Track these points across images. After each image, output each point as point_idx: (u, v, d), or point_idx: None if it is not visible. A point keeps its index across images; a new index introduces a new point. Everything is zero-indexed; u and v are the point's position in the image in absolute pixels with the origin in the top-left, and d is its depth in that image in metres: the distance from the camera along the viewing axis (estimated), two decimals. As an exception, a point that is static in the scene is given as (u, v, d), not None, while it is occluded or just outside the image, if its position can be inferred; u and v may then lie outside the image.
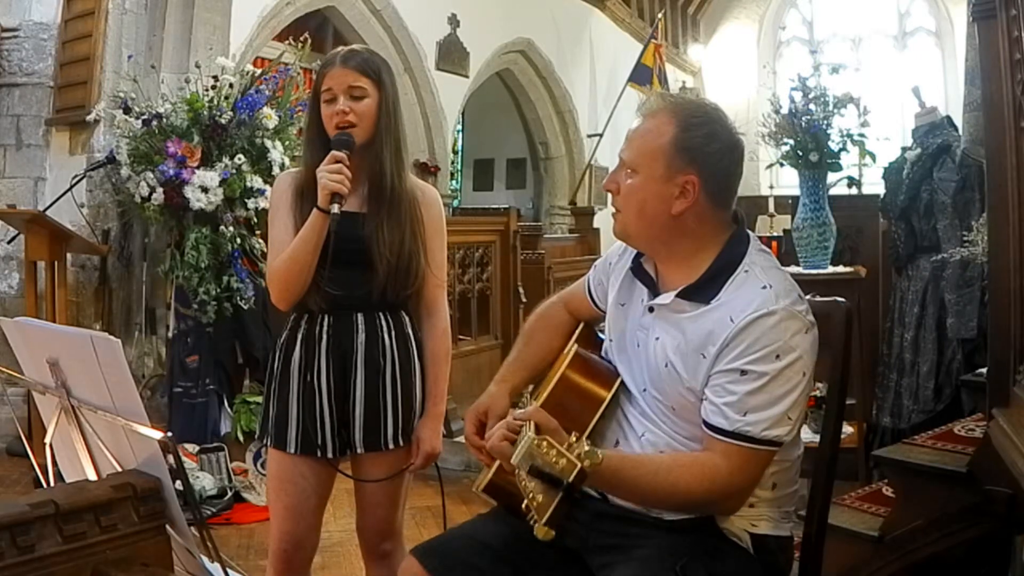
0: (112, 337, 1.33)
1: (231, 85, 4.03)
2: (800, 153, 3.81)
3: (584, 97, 10.32)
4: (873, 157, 4.00)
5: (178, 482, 1.36)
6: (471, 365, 4.85)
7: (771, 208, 7.47)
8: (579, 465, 1.11)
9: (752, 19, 13.53)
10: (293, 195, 1.97)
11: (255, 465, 3.89)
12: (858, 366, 3.60)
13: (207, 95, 4.02)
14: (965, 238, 3.27)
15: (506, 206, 7.60)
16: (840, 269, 3.99)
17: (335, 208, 1.84)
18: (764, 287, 1.42)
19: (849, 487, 2.83)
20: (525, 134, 10.54)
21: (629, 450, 1.51)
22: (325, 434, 1.94)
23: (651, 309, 1.53)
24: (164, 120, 4.00)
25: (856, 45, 13.12)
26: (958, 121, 3.76)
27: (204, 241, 3.94)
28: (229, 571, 1.32)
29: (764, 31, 13.48)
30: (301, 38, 4.47)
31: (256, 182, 3.97)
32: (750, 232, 1.53)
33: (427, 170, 7.76)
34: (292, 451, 1.95)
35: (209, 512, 3.54)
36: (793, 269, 3.88)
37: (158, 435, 1.29)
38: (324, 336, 1.94)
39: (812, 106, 3.79)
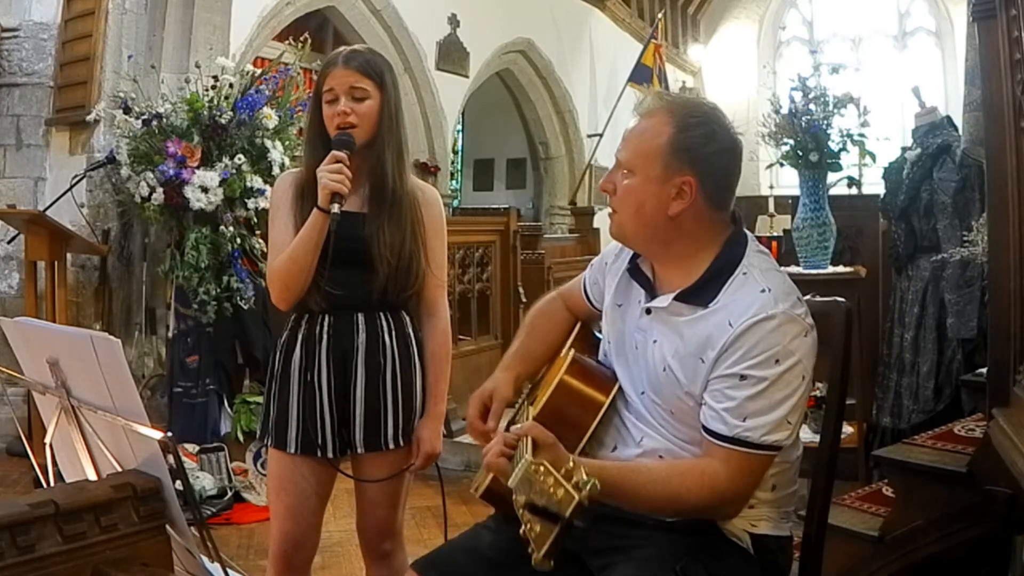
0: (112, 337, 1.33)
1: (231, 85, 4.03)
2: (800, 153, 3.81)
3: (584, 97, 10.32)
4: (873, 157, 4.00)
5: (178, 482, 1.36)
6: (471, 365, 4.85)
7: (771, 208, 7.49)
8: (577, 499, 1.09)
9: (752, 19, 13.53)
10: (294, 195, 1.97)
11: (255, 465, 3.89)
12: (858, 366, 3.60)
13: (207, 95, 4.02)
14: (965, 238, 3.27)
15: (506, 206, 7.61)
16: (840, 269, 3.99)
17: (335, 208, 1.84)
18: (763, 290, 1.41)
19: (849, 487, 2.83)
20: (525, 134, 10.55)
21: (627, 454, 1.50)
22: (325, 434, 1.94)
23: (648, 311, 1.52)
24: (164, 120, 4.00)
25: (856, 45, 13.12)
26: (958, 121, 3.76)
27: (204, 241, 3.94)
28: (229, 571, 1.32)
29: (764, 31, 13.48)
30: (301, 38, 4.46)
31: (256, 182, 3.97)
32: (748, 232, 1.52)
33: (427, 170, 7.76)
34: (292, 451, 1.95)
35: (209, 512, 3.54)
36: (793, 269, 3.89)
37: (158, 435, 1.29)
38: (324, 336, 1.94)
39: (812, 106, 3.79)
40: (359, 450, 1.95)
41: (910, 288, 3.97)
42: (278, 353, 2.01)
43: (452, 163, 9.71)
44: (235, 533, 3.48)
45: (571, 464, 1.14)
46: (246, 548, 3.31)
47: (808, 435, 2.46)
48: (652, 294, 1.53)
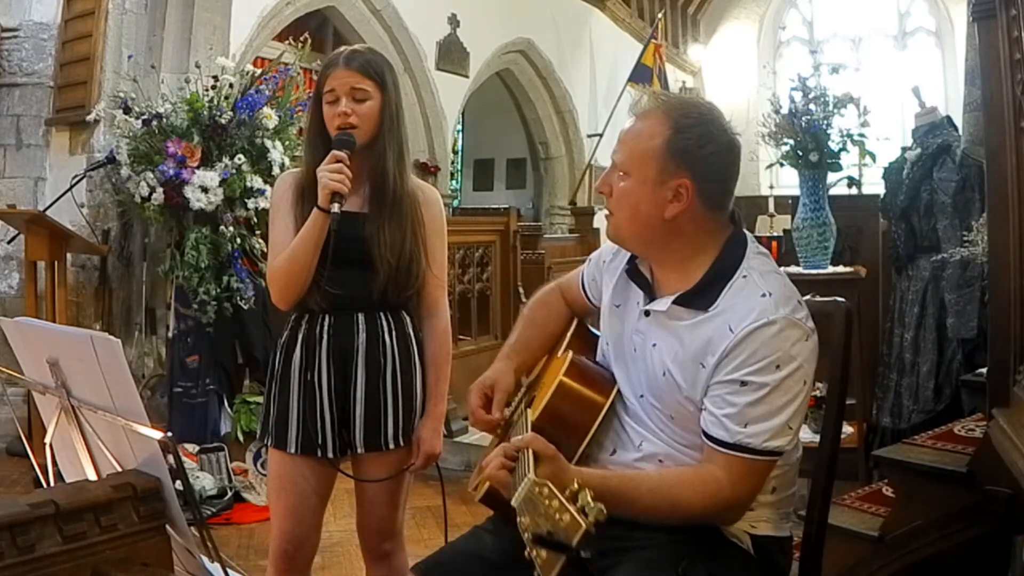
0: (112, 337, 1.33)
1: (231, 85, 4.03)
2: (800, 153, 3.80)
3: (584, 97, 10.32)
4: (873, 157, 3.99)
5: (178, 482, 1.36)
6: (471, 365, 4.84)
7: (771, 208, 7.50)
8: (584, 528, 1.07)
9: (752, 19, 13.54)
10: (294, 195, 1.97)
11: (255, 465, 3.89)
12: (858, 366, 3.60)
13: (207, 95, 4.02)
14: (965, 238, 3.27)
15: (506, 206, 7.62)
16: (840, 269, 3.98)
17: (335, 208, 1.84)
18: (763, 295, 1.39)
19: (849, 487, 2.82)
20: (525, 134, 10.55)
21: (627, 458, 1.49)
22: (326, 434, 1.94)
23: (647, 313, 1.50)
24: (164, 120, 3.99)
25: (856, 45, 13.13)
26: (958, 121, 3.76)
27: (204, 241, 3.94)
28: (229, 571, 1.32)
29: (764, 31, 13.48)
30: (301, 38, 4.47)
31: (256, 182, 3.97)
32: (748, 232, 1.50)
33: (427, 170, 7.76)
34: (293, 451, 1.95)
35: (209, 512, 3.54)
36: (793, 269, 3.89)
37: (158, 435, 1.29)
38: (325, 336, 1.94)
39: (812, 106, 3.79)
40: (359, 450, 1.95)
41: (910, 288, 3.97)
42: (278, 353, 2.01)
43: (452, 163, 9.71)
44: (235, 533, 3.48)
45: (575, 485, 1.12)
46: (246, 548, 3.31)
47: (808, 435, 2.46)
48: (651, 296, 1.51)
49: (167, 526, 1.36)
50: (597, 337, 1.68)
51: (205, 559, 1.38)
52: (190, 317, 4.00)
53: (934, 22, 12.71)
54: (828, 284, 3.39)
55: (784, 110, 3.86)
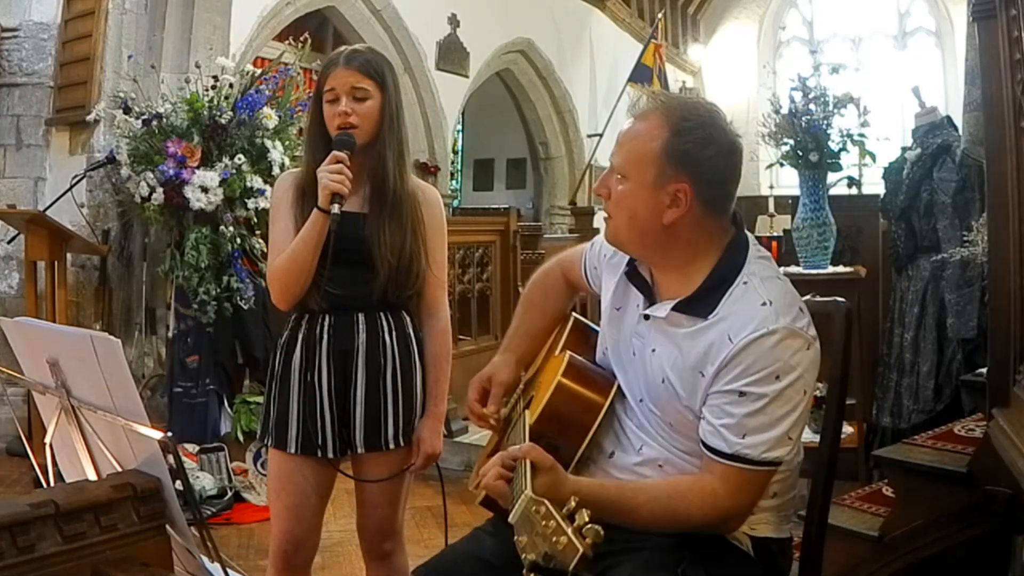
0: (112, 337, 1.33)
1: (231, 85, 4.03)
2: (800, 153, 3.81)
3: (584, 97, 10.32)
4: (873, 157, 4.00)
5: (178, 482, 1.36)
6: (471, 365, 4.82)
7: (771, 208, 7.50)
8: (581, 551, 1.06)
9: (752, 19, 13.53)
10: (294, 195, 1.97)
11: (255, 465, 3.89)
12: (858, 366, 3.60)
13: (207, 95, 4.02)
14: (965, 238, 3.27)
15: (506, 206, 7.61)
16: (840, 269, 3.98)
17: (335, 208, 1.84)
18: (764, 303, 1.36)
19: (849, 487, 2.82)
20: (525, 134, 10.55)
21: (626, 461, 1.48)
22: (326, 434, 1.94)
23: (646, 317, 1.48)
24: (164, 120, 3.99)
25: (856, 45, 13.12)
26: (958, 121, 3.77)
27: (204, 241, 3.94)
28: (229, 571, 1.32)
29: (764, 31, 13.48)
30: (301, 38, 4.46)
31: (256, 182, 3.97)
32: (749, 235, 1.48)
33: (427, 170, 7.76)
34: (293, 451, 1.95)
35: (209, 512, 3.54)
36: (793, 269, 3.89)
37: (158, 435, 1.29)
38: (325, 336, 1.94)
39: (812, 106, 3.79)
40: (359, 450, 1.95)
41: (910, 288, 3.97)
42: (278, 353, 2.01)
43: (452, 163, 9.71)
44: (235, 533, 3.48)
45: (572, 503, 1.11)
46: (246, 548, 3.31)
47: (808, 435, 2.46)
48: (650, 300, 1.49)
49: (167, 526, 1.36)
50: (595, 332, 1.66)
51: (205, 559, 1.38)
52: (190, 317, 4.00)
53: (934, 22, 12.70)
54: (828, 284, 3.40)
55: (784, 110, 3.86)
